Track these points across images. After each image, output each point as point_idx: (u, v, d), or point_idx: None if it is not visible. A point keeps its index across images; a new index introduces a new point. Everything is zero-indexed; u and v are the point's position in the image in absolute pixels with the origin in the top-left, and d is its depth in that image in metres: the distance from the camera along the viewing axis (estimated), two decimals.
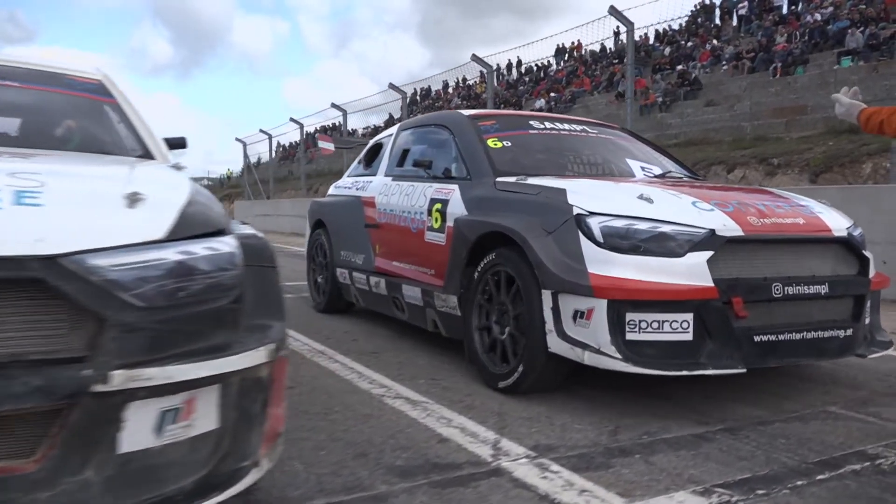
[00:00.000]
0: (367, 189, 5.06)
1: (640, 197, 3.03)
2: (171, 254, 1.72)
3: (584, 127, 4.43)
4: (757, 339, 2.87)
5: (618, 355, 2.77)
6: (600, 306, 2.81)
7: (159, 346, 1.62)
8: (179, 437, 1.65)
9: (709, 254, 2.83)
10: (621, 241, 2.87)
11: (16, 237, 1.54)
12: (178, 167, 2.59)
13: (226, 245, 1.86)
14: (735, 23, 23.43)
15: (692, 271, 2.80)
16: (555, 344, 2.96)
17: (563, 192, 3.16)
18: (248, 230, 2.12)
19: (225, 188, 36.06)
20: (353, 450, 2.55)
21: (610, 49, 25.77)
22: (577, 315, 2.89)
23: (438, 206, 3.96)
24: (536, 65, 31.36)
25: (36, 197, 1.69)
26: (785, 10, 21.55)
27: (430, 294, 3.91)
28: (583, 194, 3.13)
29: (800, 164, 12.58)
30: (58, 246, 1.55)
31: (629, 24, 9.43)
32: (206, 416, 1.70)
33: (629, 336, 2.80)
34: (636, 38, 26.67)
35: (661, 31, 25.59)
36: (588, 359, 2.85)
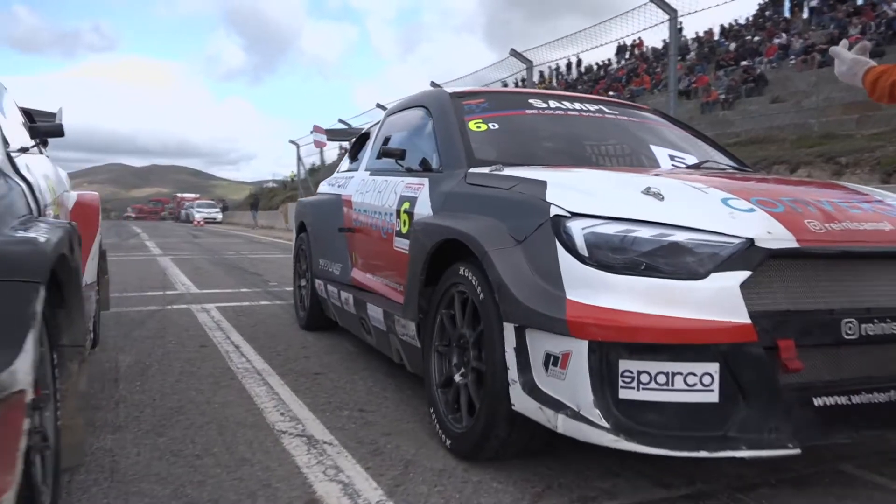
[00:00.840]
0: (346, 186, 4.26)
1: (647, 191, 2.11)
2: None
3: (601, 107, 3.50)
4: (818, 402, 1.93)
5: (604, 423, 1.88)
6: (579, 350, 1.92)
7: None
8: None
9: (743, 274, 1.90)
10: (614, 255, 1.97)
11: None
12: None
13: None
14: (806, 15, 21.92)
15: (718, 300, 1.89)
16: (519, 400, 2.08)
17: (542, 185, 2.27)
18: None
19: (288, 190, 36.49)
20: None
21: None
22: (550, 361, 2.01)
23: (406, 205, 3.12)
24: (597, 64, 30.39)
25: None
26: (860, 1, 19.98)
27: (392, 317, 3.07)
28: (567, 188, 2.23)
29: (870, 162, 11.22)
30: None
31: (672, 12, 8.82)
32: None
33: (623, 394, 1.90)
34: (699, 33, 25.40)
35: (726, 25, 24.26)
36: (562, 425, 1.96)
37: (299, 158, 27.89)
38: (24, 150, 2.67)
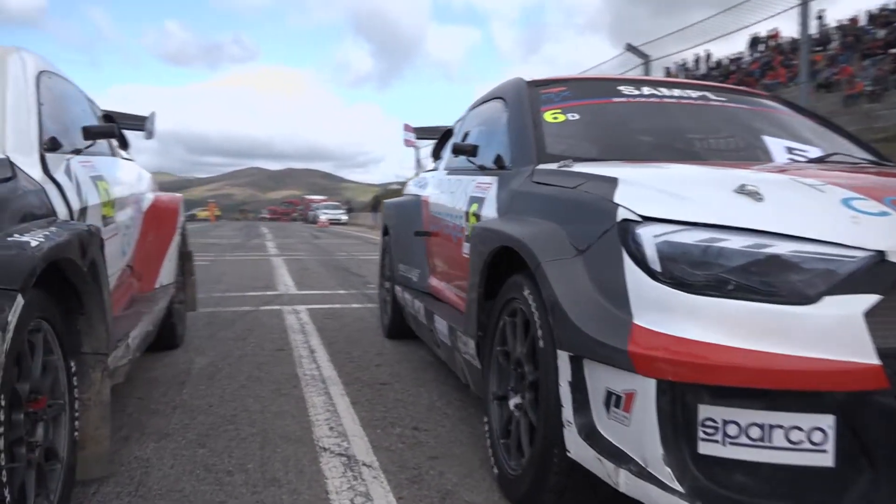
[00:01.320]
0: (426, 186, 4.01)
1: (741, 190, 1.68)
2: None
3: (706, 93, 3.02)
4: None
5: (677, 485, 1.48)
6: (646, 390, 1.53)
7: None
8: None
9: (870, 299, 1.44)
10: (694, 271, 1.56)
11: None
12: None
13: None
14: None
15: (834, 333, 1.44)
16: (575, 446, 1.71)
17: (612, 183, 1.88)
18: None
19: None
20: None
21: (813, 35, 22.61)
22: (611, 400, 1.63)
23: (475, 206, 2.81)
24: (729, 58, 28.74)
25: None
26: None
27: (455, 332, 2.76)
28: (642, 187, 1.83)
29: None
30: None
31: None
32: None
33: (703, 448, 1.50)
34: (843, 21, 23.25)
35: (874, 11, 22.13)
36: (625, 483, 1.57)
37: (417, 161, 28.15)
38: (77, 151, 2.59)
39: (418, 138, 4.90)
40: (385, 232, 4.80)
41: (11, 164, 1.96)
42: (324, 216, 43.76)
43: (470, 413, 2.93)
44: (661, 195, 1.76)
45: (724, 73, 27.09)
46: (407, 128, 5.25)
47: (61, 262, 1.81)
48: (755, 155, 2.65)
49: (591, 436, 1.67)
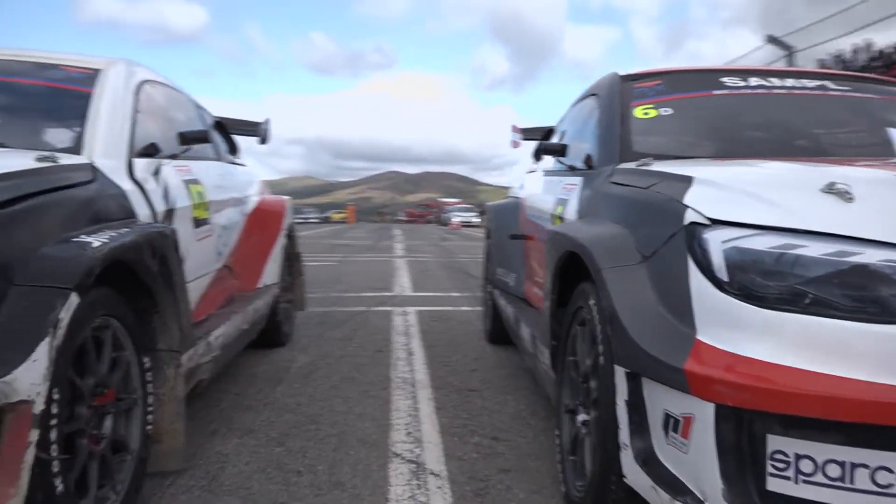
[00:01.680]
0: (524, 188, 3.90)
1: (830, 189, 1.46)
2: None
3: (825, 82, 2.71)
4: None
5: None
6: (704, 415, 1.36)
7: None
8: None
9: None
10: (765, 281, 1.37)
11: None
12: (50, 158, 1.92)
13: None
14: None
15: None
16: (632, 472, 1.56)
17: (686, 183, 1.70)
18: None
19: None
20: None
21: None
22: (670, 424, 1.47)
23: (560, 209, 2.68)
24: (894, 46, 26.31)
25: None
26: None
27: (535, 341, 2.64)
28: (717, 186, 1.65)
29: None
30: None
31: None
32: None
33: (773, 485, 1.31)
34: None
35: None
36: None
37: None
38: (173, 156, 2.72)
39: (524, 139, 4.78)
40: (487, 235, 4.73)
41: (94, 169, 2.07)
42: (455, 218, 44.30)
43: (553, 425, 2.79)
44: (737, 196, 1.57)
45: (887, 64, 24.76)
46: (514, 129, 5.14)
47: (130, 262, 1.89)
48: (876, 150, 2.34)
49: (648, 462, 1.51)
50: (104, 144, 2.24)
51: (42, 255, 1.57)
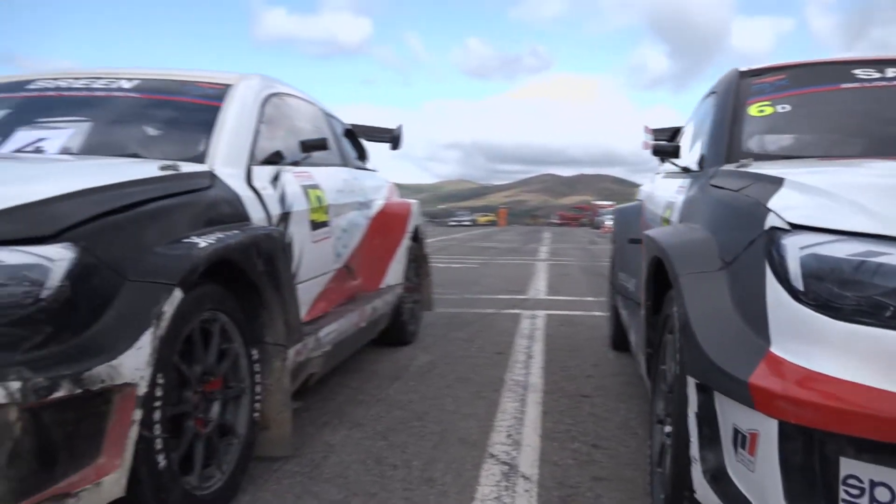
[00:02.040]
0: (646, 190, 3.78)
1: None
2: None
3: None
4: None
5: None
6: (768, 432, 1.28)
7: None
8: None
9: None
10: (842, 291, 1.27)
11: None
12: (172, 168, 2.16)
13: (21, 256, 1.51)
14: None
15: None
16: (701, 488, 1.49)
17: (776, 185, 1.60)
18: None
19: None
20: None
21: None
22: (738, 440, 1.39)
23: (668, 212, 2.59)
24: None
25: None
26: None
27: (636, 348, 2.57)
28: (807, 189, 1.53)
29: None
30: None
31: None
32: None
33: None
34: None
35: None
36: None
37: None
38: (295, 163, 2.92)
39: (654, 140, 4.62)
40: (613, 239, 4.63)
41: (213, 176, 2.28)
42: (608, 222, 43.32)
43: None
44: (826, 199, 1.46)
45: None
46: (646, 129, 4.98)
47: (237, 262, 2.06)
48: None
49: (716, 478, 1.44)
50: (225, 154, 2.46)
51: (153, 255, 1.76)
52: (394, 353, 4.19)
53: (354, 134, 4.31)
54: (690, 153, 2.80)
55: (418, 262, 4.76)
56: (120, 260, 1.69)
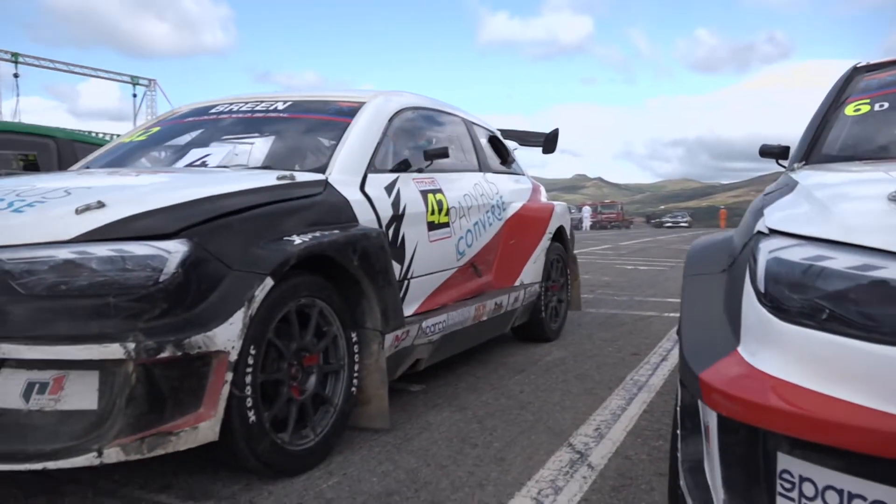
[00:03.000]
0: None
1: (894, 196, 1.30)
2: (65, 252, 1.91)
3: None
4: None
5: None
6: (713, 425, 1.35)
7: (29, 327, 1.84)
8: (47, 408, 1.84)
9: None
10: (791, 294, 1.30)
11: None
12: (288, 177, 2.62)
13: (146, 248, 1.98)
14: None
15: None
16: (682, 476, 1.56)
17: (788, 189, 1.62)
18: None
19: None
20: None
21: None
22: (704, 432, 1.46)
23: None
24: None
25: (30, 206, 2.08)
26: None
27: None
28: (807, 195, 1.54)
29: None
30: None
31: None
32: (78, 396, 1.85)
33: None
34: None
35: None
36: None
37: None
38: (419, 170, 3.26)
39: None
40: None
41: (326, 184, 2.68)
42: None
43: None
44: (813, 205, 1.47)
45: None
46: None
47: (334, 257, 2.42)
48: None
49: (693, 468, 1.51)
50: (343, 164, 2.85)
51: (255, 250, 2.18)
52: (530, 349, 4.39)
53: (499, 140, 4.57)
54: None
55: (564, 262, 4.90)
56: (227, 253, 2.11)
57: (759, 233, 1.47)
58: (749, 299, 1.41)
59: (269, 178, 2.53)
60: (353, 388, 2.56)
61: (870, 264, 1.21)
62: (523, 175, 4.81)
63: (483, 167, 4.12)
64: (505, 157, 4.58)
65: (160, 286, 1.94)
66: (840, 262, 1.25)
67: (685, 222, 52.15)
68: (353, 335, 2.57)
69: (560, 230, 4.79)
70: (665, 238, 24.48)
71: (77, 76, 31.71)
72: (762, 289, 1.37)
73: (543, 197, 4.87)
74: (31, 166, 5.26)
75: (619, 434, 2.75)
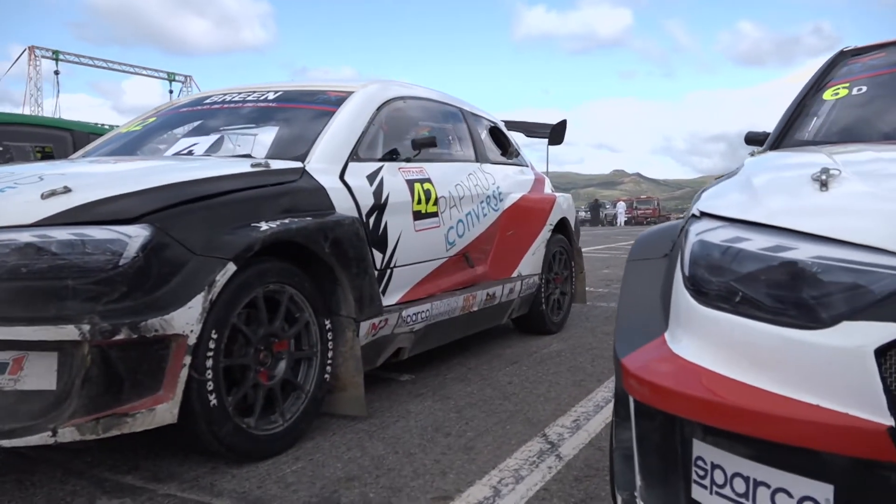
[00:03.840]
0: None
1: (818, 176, 1.25)
2: (26, 236, 1.95)
3: None
4: None
5: None
6: (630, 409, 1.33)
7: None
8: (6, 387, 1.89)
9: (890, 330, 0.99)
10: (710, 276, 1.27)
11: None
12: (263, 165, 2.65)
13: (106, 232, 2.01)
14: None
15: (839, 371, 1.03)
16: (615, 460, 1.53)
17: (731, 174, 1.58)
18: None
19: None
20: None
21: None
22: (630, 416, 1.43)
23: None
24: None
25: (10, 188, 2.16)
26: None
27: None
28: (742, 178, 1.50)
29: None
30: None
31: None
32: (37, 376, 1.90)
33: (696, 492, 1.23)
34: None
35: None
36: None
37: None
38: (407, 159, 3.26)
39: None
40: None
41: (303, 172, 2.69)
42: None
43: None
44: (745, 187, 1.43)
45: None
46: None
47: (303, 244, 2.43)
48: None
49: (625, 458, 1.48)
50: (322, 153, 2.86)
51: (220, 235, 2.19)
52: (529, 340, 4.36)
53: (500, 131, 4.55)
54: None
55: (568, 255, 4.85)
56: (190, 238, 2.13)
57: (693, 216, 1.44)
58: (677, 283, 1.38)
59: (244, 166, 2.55)
60: (327, 375, 2.57)
61: (782, 245, 1.17)
62: (527, 166, 4.77)
63: (480, 157, 4.10)
64: (506, 148, 4.55)
65: (119, 270, 1.96)
66: (755, 243, 1.21)
67: None
68: (327, 322, 2.58)
69: (563, 222, 4.74)
70: None
71: (120, 74, 32.41)
72: (686, 272, 1.34)
73: (548, 189, 4.83)
74: (47, 157, 5.39)
75: (596, 426, 2.71)
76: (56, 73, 29.34)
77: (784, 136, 2.14)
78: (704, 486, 1.21)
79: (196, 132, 3.31)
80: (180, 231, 2.12)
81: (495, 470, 2.26)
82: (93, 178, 2.31)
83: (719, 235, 1.29)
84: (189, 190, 2.25)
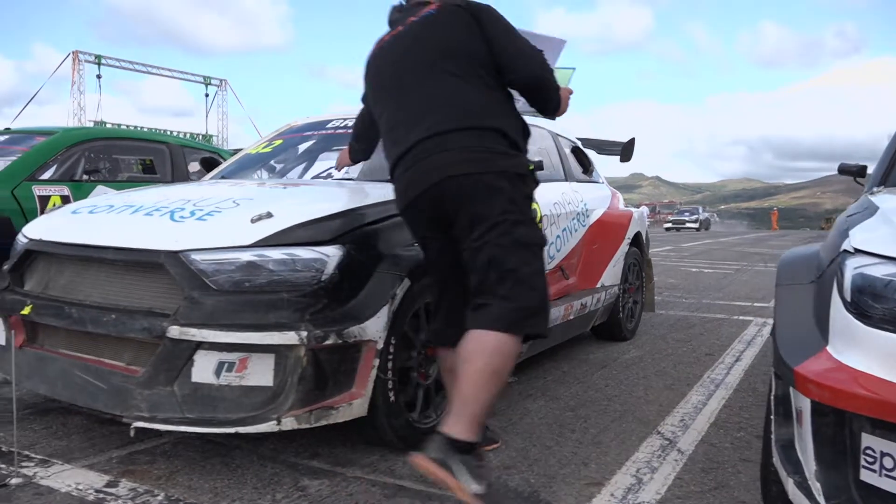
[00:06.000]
0: None
1: None
2: (247, 255, 2.32)
3: None
4: None
5: (822, 501, 1.58)
6: (807, 409, 1.65)
7: (220, 316, 2.25)
8: (233, 383, 2.23)
9: None
10: (874, 303, 1.59)
11: (162, 238, 2.43)
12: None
13: (311, 253, 2.37)
14: None
15: None
16: (775, 456, 1.85)
17: (870, 213, 1.90)
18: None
19: None
20: None
21: None
22: (796, 416, 1.76)
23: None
24: None
25: (209, 215, 2.53)
26: None
27: None
28: (886, 219, 1.81)
29: None
30: (180, 245, 2.37)
31: None
32: (258, 374, 2.24)
33: (865, 476, 1.55)
34: None
35: None
36: (791, 492, 1.70)
37: None
38: None
39: None
40: None
41: None
42: None
43: None
44: (890, 227, 1.75)
45: None
46: None
47: None
48: None
49: (785, 447, 1.81)
50: None
51: (395, 253, 2.54)
52: (608, 347, 4.69)
53: (581, 150, 4.88)
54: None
55: (640, 265, 5.17)
56: (372, 257, 2.49)
57: (846, 251, 1.76)
58: (836, 307, 1.70)
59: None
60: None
61: None
62: (602, 183, 5.10)
63: (568, 176, 4.43)
64: (587, 167, 4.88)
65: (322, 284, 2.32)
66: None
67: (693, 222, 40.06)
68: None
69: (637, 235, 5.06)
70: (727, 240, 24.25)
71: (139, 74, 33.09)
72: (848, 298, 1.66)
73: (621, 203, 5.14)
74: (148, 169, 5.81)
75: (702, 425, 3.03)
76: (98, 77, 30.15)
77: (889, 174, 2.45)
78: (874, 471, 1.52)
79: (328, 156, 3.67)
80: (364, 250, 2.47)
81: (629, 462, 2.59)
82: (283, 203, 2.67)
83: (880, 270, 1.61)
84: (363, 213, 2.60)
